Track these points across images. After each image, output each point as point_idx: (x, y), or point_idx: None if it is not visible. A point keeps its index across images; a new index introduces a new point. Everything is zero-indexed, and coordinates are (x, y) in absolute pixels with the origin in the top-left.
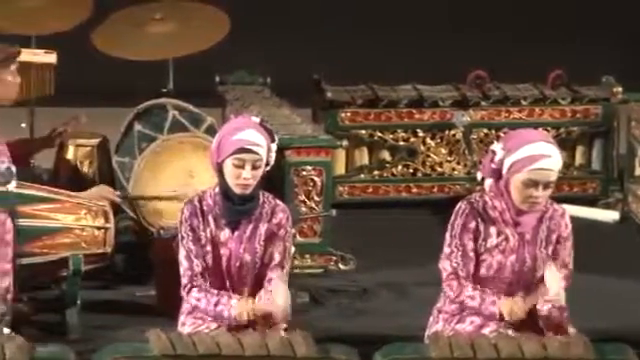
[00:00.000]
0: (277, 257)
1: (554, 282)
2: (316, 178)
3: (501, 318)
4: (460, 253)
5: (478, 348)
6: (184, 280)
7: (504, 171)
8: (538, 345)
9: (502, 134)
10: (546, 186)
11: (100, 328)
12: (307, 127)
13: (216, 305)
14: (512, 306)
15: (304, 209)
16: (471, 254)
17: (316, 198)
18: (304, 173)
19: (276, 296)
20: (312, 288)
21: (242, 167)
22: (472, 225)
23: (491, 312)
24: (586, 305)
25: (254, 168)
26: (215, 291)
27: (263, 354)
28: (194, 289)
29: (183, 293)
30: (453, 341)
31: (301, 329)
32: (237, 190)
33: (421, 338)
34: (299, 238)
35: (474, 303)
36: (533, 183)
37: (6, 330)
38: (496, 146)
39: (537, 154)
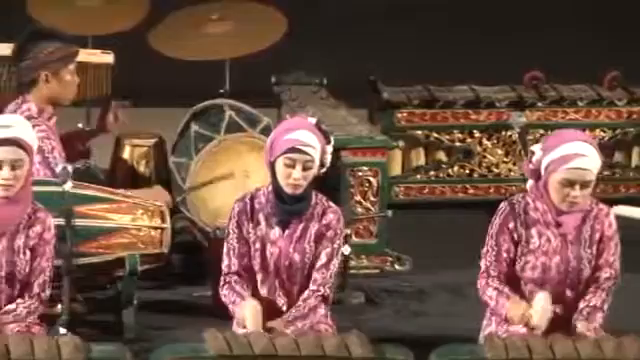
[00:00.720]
0: (323, 258)
1: (539, 311)
2: (372, 179)
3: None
4: (494, 253)
5: (533, 349)
6: (222, 276)
7: (542, 171)
8: (594, 346)
9: None
10: (583, 185)
11: (156, 328)
12: (363, 128)
13: (233, 304)
14: (519, 312)
15: (360, 210)
16: (504, 255)
17: (372, 199)
18: (360, 174)
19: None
20: (368, 289)
21: (293, 167)
22: (510, 226)
23: (503, 315)
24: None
25: (305, 169)
26: (240, 290)
27: (319, 354)
28: (225, 286)
29: (219, 288)
30: (508, 342)
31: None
32: (288, 190)
33: (476, 339)
34: (355, 239)
35: (492, 303)
36: (569, 182)
37: (62, 330)
38: (535, 146)
39: (572, 153)
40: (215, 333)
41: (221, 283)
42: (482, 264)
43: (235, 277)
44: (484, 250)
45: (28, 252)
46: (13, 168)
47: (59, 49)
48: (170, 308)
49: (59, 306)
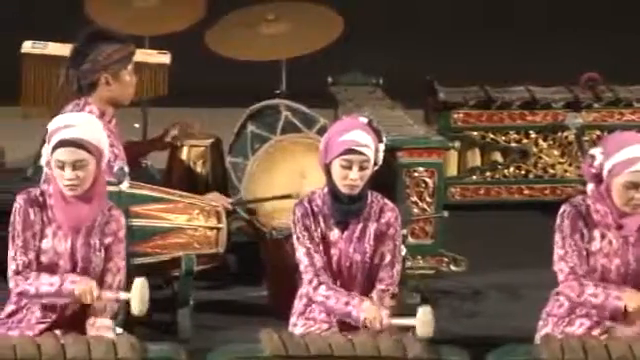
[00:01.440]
0: (388, 256)
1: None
2: (428, 179)
3: (625, 312)
4: (575, 253)
5: (590, 350)
6: (308, 276)
7: (604, 175)
8: None
9: None
10: None
11: (212, 328)
12: (419, 128)
13: (346, 304)
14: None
15: (416, 210)
16: (584, 253)
17: (428, 199)
18: (416, 174)
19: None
20: (424, 289)
21: (349, 168)
22: (580, 225)
23: (616, 307)
24: None
25: (361, 169)
26: (344, 290)
27: (374, 355)
28: (322, 285)
29: (309, 288)
30: (565, 343)
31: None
32: (345, 190)
33: (532, 340)
34: (411, 239)
35: (597, 300)
36: (633, 185)
37: (119, 329)
38: (595, 150)
39: (635, 156)
40: (271, 333)
41: (313, 282)
42: (563, 267)
43: (325, 274)
44: (561, 253)
45: (103, 250)
46: (75, 169)
47: (117, 50)
48: (225, 308)
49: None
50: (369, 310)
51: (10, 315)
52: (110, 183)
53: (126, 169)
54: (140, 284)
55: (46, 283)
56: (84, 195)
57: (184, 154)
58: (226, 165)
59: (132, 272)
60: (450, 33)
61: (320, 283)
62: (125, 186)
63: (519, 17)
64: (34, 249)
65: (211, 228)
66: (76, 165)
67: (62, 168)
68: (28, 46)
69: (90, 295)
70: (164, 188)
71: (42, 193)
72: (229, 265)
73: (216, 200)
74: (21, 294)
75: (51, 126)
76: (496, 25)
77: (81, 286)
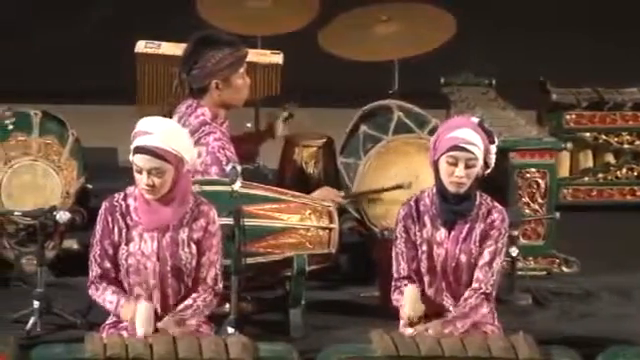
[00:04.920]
0: (487, 256)
1: None
2: (540, 180)
3: None
4: None
5: None
6: (393, 280)
7: None
8: None
9: None
10: None
11: (323, 328)
12: (532, 129)
13: (397, 302)
14: None
15: (528, 211)
16: None
17: (540, 200)
18: (528, 175)
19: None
20: (535, 290)
21: (455, 165)
22: None
23: None
24: None
25: (467, 167)
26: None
27: (485, 356)
28: (396, 290)
29: (391, 291)
30: None
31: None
32: (450, 188)
33: None
34: (522, 240)
35: None
36: None
37: (230, 329)
38: None
39: None
40: (382, 333)
41: (392, 289)
42: None
43: (405, 282)
44: None
45: (193, 245)
46: (151, 175)
47: (227, 56)
48: (337, 308)
49: (227, 305)
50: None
51: (119, 320)
52: (223, 183)
53: (239, 169)
54: (144, 308)
55: (108, 301)
56: (164, 198)
57: (296, 154)
58: (338, 165)
59: (245, 272)
60: (563, 34)
61: (396, 288)
62: (238, 186)
63: (629, 19)
64: (111, 259)
65: (323, 228)
66: (152, 172)
67: (140, 172)
68: (141, 46)
69: (129, 322)
70: (276, 188)
71: (125, 197)
72: (341, 265)
73: (327, 194)
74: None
75: (136, 128)
76: (609, 26)
77: (123, 313)
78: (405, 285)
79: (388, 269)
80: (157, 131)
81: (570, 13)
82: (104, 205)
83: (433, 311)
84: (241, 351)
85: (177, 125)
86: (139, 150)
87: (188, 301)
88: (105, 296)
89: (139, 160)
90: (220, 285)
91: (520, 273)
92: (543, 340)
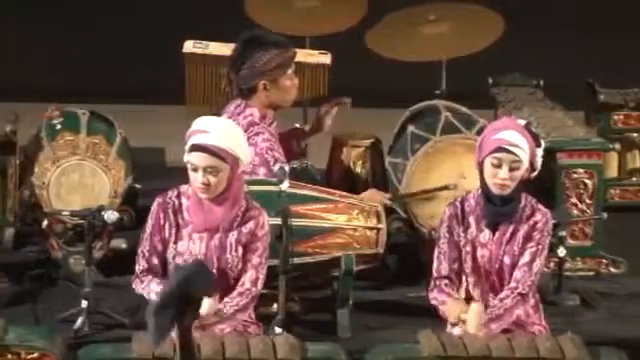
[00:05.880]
0: (527, 257)
1: None
2: (587, 181)
3: None
4: None
5: None
6: (432, 279)
7: None
8: None
9: None
10: None
11: (370, 328)
12: (579, 130)
13: (443, 304)
14: None
15: (575, 212)
16: None
17: (587, 201)
18: (575, 176)
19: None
20: (583, 291)
21: (499, 167)
22: None
23: None
24: None
25: (511, 169)
26: (450, 291)
27: (533, 356)
28: (435, 289)
29: (429, 290)
30: None
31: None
32: (494, 190)
33: None
34: (570, 241)
35: None
36: None
37: (278, 329)
38: None
39: None
40: (429, 334)
41: (431, 287)
42: None
43: (445, 281)
44: None
45: (240, 249)
46: (207, 173)
47: (275, 57)
48: (384, 308)
49: (275, 305)
50: (450, 307)
51: None
52: (271, 183)
53: (286, 169)
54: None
55: (154, 291)
56: (217, 198)
57: (344, 154)
58: (386, 165)
59: (292, 272)
60: (611, 34)
61: (435, 287)
62: (285, 186)
63: None
64: (159, 255)
65: (371, 228)
66: (207, 170)
67: (195, 171)
68: (190, 46)
69: None
70: (324, 188)
71: (179, 195)
72: (388, 265)
73: (374, 197)
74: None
75: (192, 127)
76: None
77: None
78: (445, 285)
79: None
80: (214, 130)
81: (618, 14)
82: (157, 201)
83: None
84: (289, 351)
85: (234, 124)
86: (196, 148)
87: (219, 305)
88: (151, 287)
89: (195, 158)
90: (259, 288)
91: (568, 274)
92: (590, 341)
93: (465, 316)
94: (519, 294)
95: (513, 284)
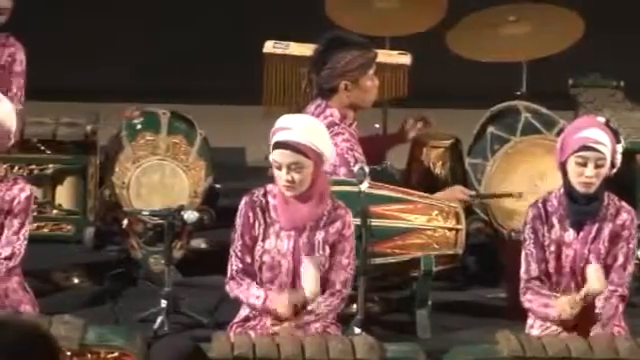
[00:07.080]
0: (621, 258)
1: None
2: None
3: None
4: None
5: None
6: (522, 282)
7: None
8: None
9: None
10: None
11: (449, 329)
12: None
13: (546, 306)
14: None
15: None
16: None
17: None
18: None
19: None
20: None
21: (585, 165)
22: None
23: None
24: None
25: (597, 167)
26: (547, 292)
27: (612, 357)
28: (528, 291)
29: (521, 294)
30: None
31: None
32: (580, 189)
33: None
34: None
35: None
36: None
37: (357, 330)
38: None
39: None
40: (509, 335)
41: (522, 290)
42: None
43: (537, 282)
44: None
45: (327, 248)
46: (291, 170)
47: (356, 58)
48: (464, 309)
49: (354, 306)
50: (561, 305)
51: (246, 320)
52: (351, 183)
53: (366, 169)
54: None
55: (254, 295)
56: (303, 195)
57: (424, 155)
58: (465, 166)
59: (372, 272)
60: None
61: (527, 289)
62: (365, 186)
63: None
64: (251, 253)
65: (450, 229)
66: (291, 167)
67: (279, 168)
68: (270, 46)
69: (286, 310)
70: (403, 188)
71: (265, 193)
72: (468, 266)
73: (453, 194)
74: (236, 299)
75: (275, 125)
76: None
77: (276, 305)
78: (538, 286)
79: (516, 271)
80: (297, 126)
81: None
82: (244, 200)
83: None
84: (368, 351)
85: (317, 121)
86: (279, 145)
87: (312, 305)
88: (250, 290)
89: (279, 155)
90: (349, 289)
91: None
92: None
93: (578, 296)
94: (620, 296)
95: (612, 287)
